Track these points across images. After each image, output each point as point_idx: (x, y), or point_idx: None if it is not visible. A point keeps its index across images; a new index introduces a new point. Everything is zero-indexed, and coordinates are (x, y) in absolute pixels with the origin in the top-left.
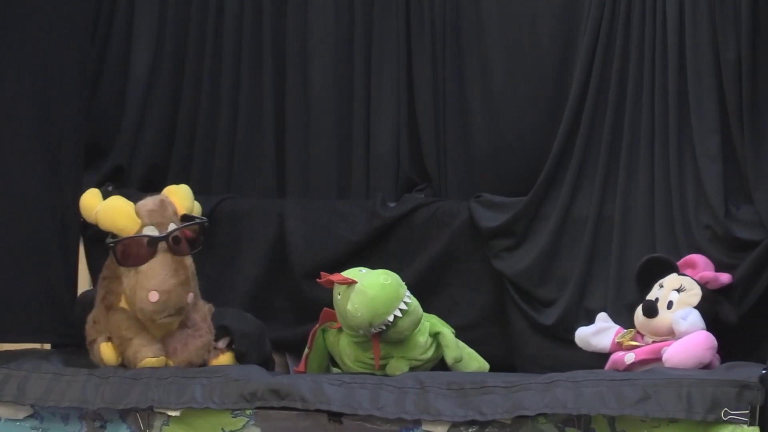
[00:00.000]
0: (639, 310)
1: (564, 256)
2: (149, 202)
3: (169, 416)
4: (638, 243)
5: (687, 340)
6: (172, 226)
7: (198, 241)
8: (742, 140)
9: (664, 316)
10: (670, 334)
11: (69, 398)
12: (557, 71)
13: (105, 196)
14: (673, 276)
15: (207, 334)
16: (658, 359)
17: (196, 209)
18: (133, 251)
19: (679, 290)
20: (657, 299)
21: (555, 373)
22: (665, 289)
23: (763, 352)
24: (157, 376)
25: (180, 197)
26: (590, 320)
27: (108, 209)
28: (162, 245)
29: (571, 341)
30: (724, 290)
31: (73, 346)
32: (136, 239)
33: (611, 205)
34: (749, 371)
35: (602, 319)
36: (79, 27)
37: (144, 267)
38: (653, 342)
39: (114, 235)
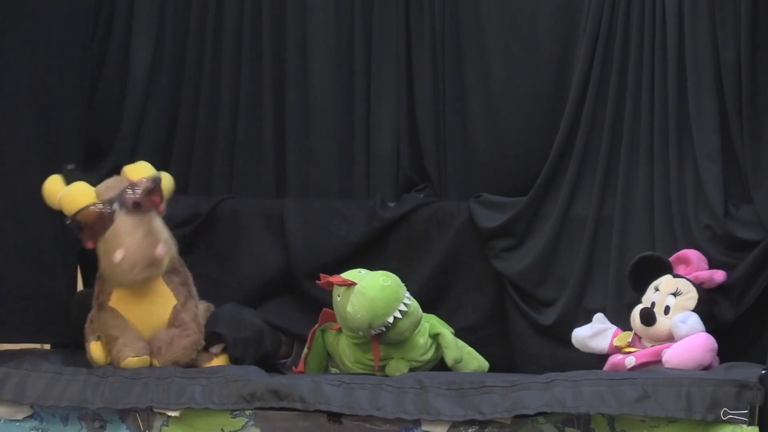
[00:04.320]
0: (636, 315)
1: (564, 256)
2: (108, 180)
3: (169, 416)
4: (638, 243)
5: (687, 342)
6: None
7: (160, 199)
8: (741, 140)
9: (662, 322)
10: (669, 339)
11: (68, 398)
12: (557, 71)
13: (68, 177)
14: (669, 278)
15: (194, 334)
16: (658, 361)
17: (165, 178)
18: (93, 223)
19: (675, 294)
20: (653, 303)
21: (554, 373)
22: (661, 294)
23: (760, 352)
24: (156, 376)
25: (137, 172)
26: (590, 320)
27: (69, 193)
28: (120, 211)
29: (571, 341)
30: (721, 288)
31: (73, 346)
32: (91, 211)
33: (611, 205)
34: (749, 371)
35: (599, 320)
36: (78, 28)
37: (107, 235)
38: (652, 346)
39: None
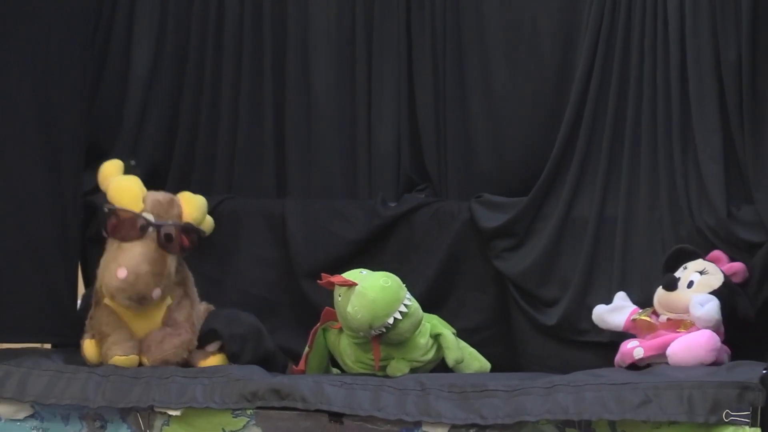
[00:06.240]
0: (660, 288)
1: (565, 257)
2: (160, 194)
3: (170, 416)
4: (639, 243)
5: (691, 339)
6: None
7: (188, 249)
8: (742, 140)
9: (682, 293)
10: (686, 312)
11: (69, 396)
12: (558, 71)
13: (127, 169)
14: (699, 260)
15: (186, 333)
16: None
17: (207, 223)
18: (125, 226)
19: (702, 272)
20: (679, 278)
21: (556, 377)
22: (688, 271)
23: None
24: (158, 375)
25: (191, 205)
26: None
27: (120, 184)
28: (152, 234)
29: (575, 341)
30: (741, 285)
31: (74, 347)
32: (132, 216)
33: (613, 206)
34: (750, 372)
35: (621, 297)
36: (79, 28)
37: (126, 245)
38: (668, 320)
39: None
